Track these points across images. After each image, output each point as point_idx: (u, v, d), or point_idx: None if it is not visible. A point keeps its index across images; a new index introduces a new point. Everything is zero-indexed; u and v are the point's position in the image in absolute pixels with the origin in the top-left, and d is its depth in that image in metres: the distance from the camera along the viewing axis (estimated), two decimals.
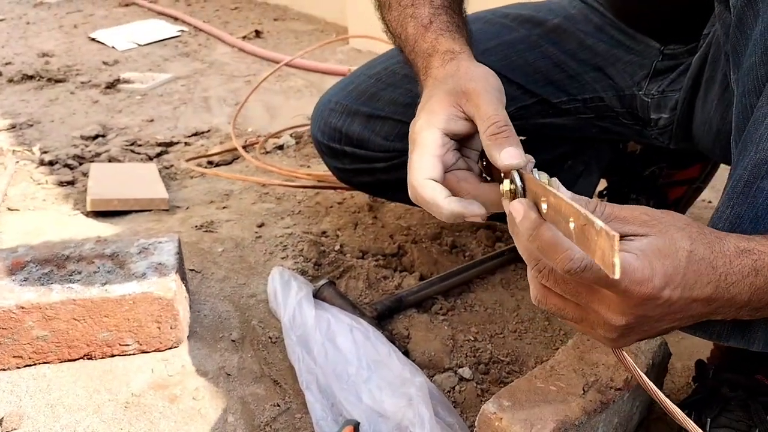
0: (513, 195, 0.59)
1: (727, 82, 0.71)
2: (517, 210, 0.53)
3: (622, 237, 0.53)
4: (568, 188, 1.22)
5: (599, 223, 0.43)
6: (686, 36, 0.95)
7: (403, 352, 0.98)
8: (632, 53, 1.03)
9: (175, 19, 3.22)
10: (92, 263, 0.93)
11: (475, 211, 0.63)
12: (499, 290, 1.16)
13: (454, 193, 0.65)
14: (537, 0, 1.16)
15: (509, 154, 0.60)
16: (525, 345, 1.03)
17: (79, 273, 0.91)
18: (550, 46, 1.06)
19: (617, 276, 0.41)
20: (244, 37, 2.85)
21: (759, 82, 0.61)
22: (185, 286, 0.97)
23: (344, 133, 1.07)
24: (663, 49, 0.99)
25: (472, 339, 1.04)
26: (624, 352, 0.61)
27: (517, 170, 0.60)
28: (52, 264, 0.92)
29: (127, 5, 3.55)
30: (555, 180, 0.58)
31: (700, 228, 0.55)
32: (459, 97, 0.65)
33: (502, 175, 0.62)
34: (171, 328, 0.90)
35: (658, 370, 0.87)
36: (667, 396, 0.60)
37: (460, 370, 0.98)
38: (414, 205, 0.68)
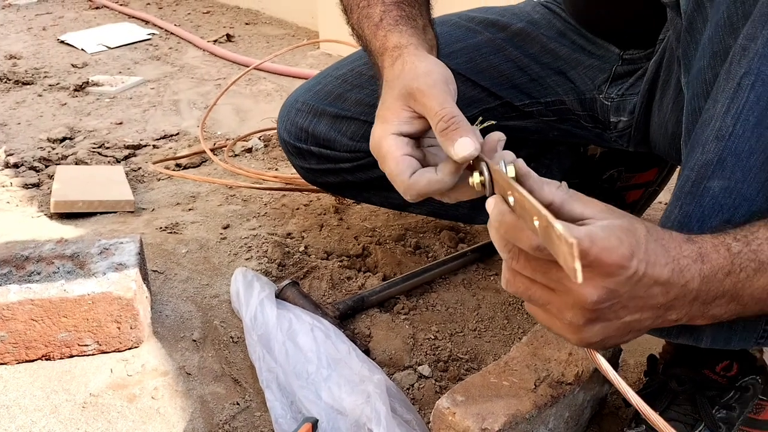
0: (483, 187, 0.60)
1: (680, 86, 0.74)
2: (488, 203, 0.56)
3: (580, 218, 0.55)
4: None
5: (559, 227, 0.44)
6: (644, 41, 0.98)
7: (364, 351, 0.99)
8: (593, 57, 1.06)
9: (146, 22, 3.21)
10: (52, 264, 0.93)
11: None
12: (461, 290, 1.17)
13: None
14: (502, 5, 1.18)
15: (462, 146, 0.60)
16: (484, 343, 1.05)
17: (39, 273, 0.91)
18: (514, 49, 1.08)
19: (580, 281, 0.42)
20: (215, 41, 2.85)
21: (707, 85, 0.63)
22: (147, 286, 0.98)
23: (310, 133, 1.08)
24: (622, 54, 1.02)
25: (433, 337, 1.06)
26: (594, 352, 0.62)
27: (486, 162, 0.61)
28: (10, 265, 0.92)
29: (97, 8, 3.53)
30: (522, 166, 0.58)
31: (643, 220, 0.58)
32: (407, 99, 0.66)
33: (472, 164, 0.63)
34: (131, 328, 0.91)
35: (610, 364, 0.89)
36: None
37: (419, 368, 0.99)
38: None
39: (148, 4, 3.63)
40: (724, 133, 0.59)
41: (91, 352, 0.91)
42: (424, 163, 0.68)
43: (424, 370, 0.99)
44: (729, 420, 0.76)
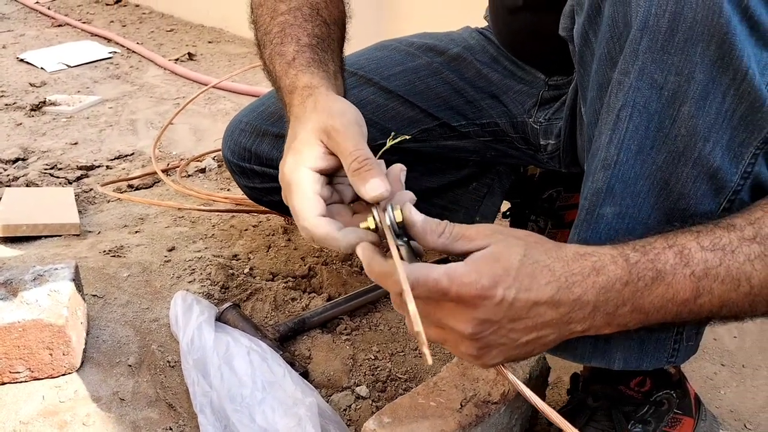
0: (375, 230, 0.63)
1: None
2: (357, 249, 0.62)
3: (467, 253, 0.59)
4: (473, 209, 1.24)
5: (411, 308, 0.51)
6: (567, 68, 1.01)
7: (302, 373, 1.00)
8: (522, 83, 1.09)
9: (108, 40, 3.20)
10: None
11: (370, 237, 0.65)
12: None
13: None
14: (441, 31, 1.21)
15: (373, 187, 0.62)
16: (424, 365, 1.06)
17: None
18: (451, 73, 1.11)
19: (429, 363, 0.49)
20: (176, 60, 2.85)
21: (597, 115, 0.66)
22: (83, 312, 0.98)
23: (253, 152, 1.09)
24: (548, 80, 1.05)
25: (373, 357, 1.07)
26: (502, 367, 0.65)
27: (375, 209, 0.63)
28: None
29: (59, 26, 3.51)
30: (409, 214, 0.62)
31: (540, 239, 0.61)
32: (321, 135, 0.67)
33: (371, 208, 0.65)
34: (63, 354, 0.91)
35: (537, 383, 0.91)
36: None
37: (357, 389, 1.00)
38: None
39: (112, 21, 3.63)
40: (610, 162, 0.62)
41: (23, 379, 0.90)
42: (330, 200, 0.69)
43: (362, 390, 1.00)
44: None
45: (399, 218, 0.62)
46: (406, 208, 0.63)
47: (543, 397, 0.94)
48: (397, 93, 1.10)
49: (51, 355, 0.90)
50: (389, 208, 0.62)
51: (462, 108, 1.12)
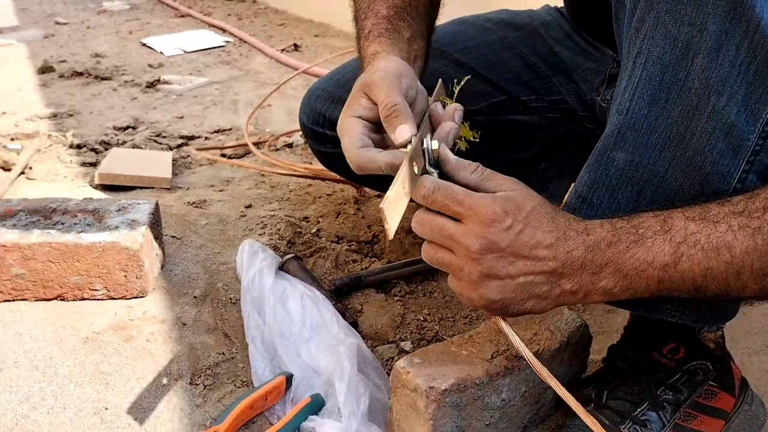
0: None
1: None
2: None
3: (493, 193, 0.65)
4: (540, 189, 1.29)
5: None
6: None
7: (351, 323, 1.05)
8: (591, 60, 1.09)
9: (224, 30, 3.40)
10: (75, 216, 1.04)
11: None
12: None
13: None
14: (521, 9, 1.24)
15: (401, 132, 0.68)
16: (472, 329, 1.08)
17: (62, 223, 1.02)
18: (524, 48, 1.14)
19: (390, 237, 0.58)
20: (282, 50, 2.99)
21: None
22: (159, 245, 1.07)
23: (327, 117, 1.16)
24: (615, 57, 1.05)
25: (422, 319, 1.10)
26: (501, 320, 0.69)
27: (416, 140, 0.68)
28: (39, 214, 1.03)
29: (182, 16, 3.77)
30: (444, 152, 0.68)
31: (553, 205, 0.66)
32: (364, 88, 0.74)
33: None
34: (137, 277, 1.00)
35: (575, 350, 0.90)
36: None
37: (402, 343, 1.04)
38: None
39: (229, 14, 3.85)
40: (622, 109, 0.63)
41: (100, 297, 1.00)
42: (381, 144, 0.75)
43: (406, 345, 1.04)
44: (675, 402, 0.77)
45: (435, 146, 0.67)
46: (443, 147, 0.67)
47: (583, 366, 0.94)
48: (469, 65, 1.14)
49: (125, 276, 0.99)
50: (427, 138, 0.68)
51: (533, 83, 1.13)
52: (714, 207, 0.60)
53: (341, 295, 1.13)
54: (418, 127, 0.72)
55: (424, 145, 0.68)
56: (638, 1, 0.62)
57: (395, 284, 1.17)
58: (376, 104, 0.73)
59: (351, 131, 0.73)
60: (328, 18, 3.50)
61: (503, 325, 0.70)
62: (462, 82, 0.88)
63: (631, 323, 0.84)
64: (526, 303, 0.66)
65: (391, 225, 0.59)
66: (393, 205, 0.60)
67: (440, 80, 0.86)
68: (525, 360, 0.85)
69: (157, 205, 1.08)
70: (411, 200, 0.66)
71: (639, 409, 0.76)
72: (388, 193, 0.60)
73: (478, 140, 0.89)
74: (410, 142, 0.68)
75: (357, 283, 1.15)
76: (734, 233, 0.58)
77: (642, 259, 0.61)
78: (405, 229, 1.35)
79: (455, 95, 0.88)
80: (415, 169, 0.67)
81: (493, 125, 1.15)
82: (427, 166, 0.68)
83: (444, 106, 0.78)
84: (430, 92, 0.84)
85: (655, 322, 0.78)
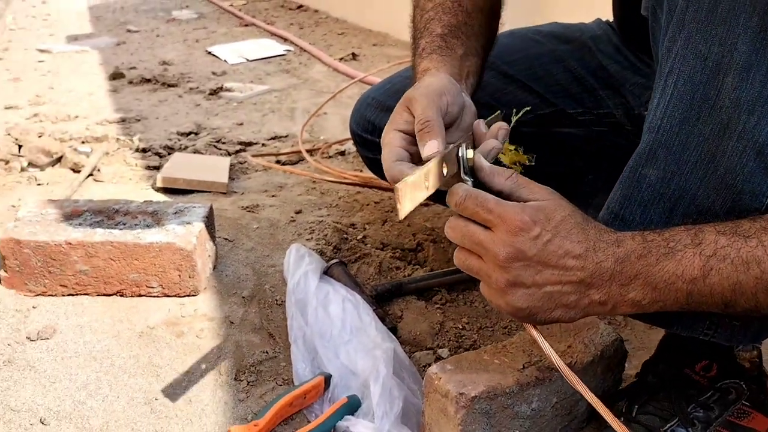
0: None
1: None
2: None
3: (526, 201, 0.67)
4: (586, 201, 1.29)
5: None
6: None
7: (390, 328, 1.08)
8: (640, 75, 1.10)
9: (285, 39, 3.50)
10: (135, 217, 1.11)
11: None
12: None
13: None
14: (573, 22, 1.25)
15: (429, 148, 0.71)
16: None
17: (124, 224, 1.09)
18: (573, 61, 1.15)
19: (401, 217, 0.60)
20: (341, 59, 3.06)
21: None
22: (212, 246, 1.13)
23: (376, 125, 1.20)
24: None
25: (461, 327, 1.12)
26: (532, 327, 0.71)
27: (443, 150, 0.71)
28: (103, 215, 1.11)
29: (246, 25, 3.90)
30: (479, 160, 0.70)
31: (585, 214, 0.67)
32: (407, 103, 0.77)
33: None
34: (189, 277, 1.06)
35: (609, 364, 0.91)
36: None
37: (439, 350, 1.06)
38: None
39: (291, 24, 3.96)
40: (654, 126, 0.64)
41: (155, 294, 1.07)
42: (419, 158, 0.77)
43: (444, 353, 1.06)
44: (706, 419, 0.77)
45: (470, 155, 0.70)
46: (477, 155, 0.70)
47: (618, 381, 0.94)
48: (516, 77, 1.15)
49: (179, 275, 1.05)
50: (462, 147, 0.70)
51: (580, 96, 1.14)
52: (746, 223, 0.61)
53: (382, 300, 1.16)
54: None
55: (459, 153, 0.70)
56: (671, 20, 0.64)
57: (436, 292, 1.20)
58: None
59: (390, 144, 0.77)
60: (386, 27, 3.55)
61: (533, 332, 0.72)
62: (520, 113, 0.90)
63: (665, 339, 0.85)
64: (554, 312, 0.67)
65: (403, 207, 0.61)
66: (409, 190, 0.62)
67: (498, 111, 0.88)
68: (556, 371, 0.87)
69: (211, 208, 1.14)
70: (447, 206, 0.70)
71: (668, 425, 0.77)
72: (408, 177, 0.62)
73: (533, 164, 0.91)
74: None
75: (398, 289, 1.18)
76: (765, 248, 0.59)
77: (671, 272, 0.61)
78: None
79: (511, 125, 0.88)
80: (444, 171, 0.69)
81: (539, 137, 1.17)
82: (462, 174, 0.70)
83: (489, 125, 0.80)
84: (490, 114, 0.87)
85: (688, 339, 0.78)
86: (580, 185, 1.24)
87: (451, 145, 0.71)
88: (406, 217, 1.36)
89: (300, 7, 4.41)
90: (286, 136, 2.13)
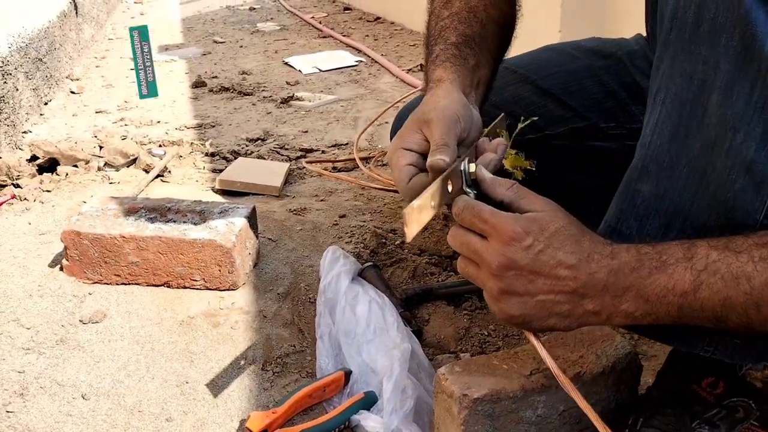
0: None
1: None
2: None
3: (524, 212, 0.69)
4: None
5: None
6: None
7: (415, 331, 1.11)
8: None
9: (359, 50, 3.59)
10: (185, 215, 1.19)
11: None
12: None
13: None
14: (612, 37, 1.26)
15: (434, 158, 0.73)
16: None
17: (174, 221, 1.18)
18: (608, 76, 1.16)
19: (408, 240, 0.65)
20: (409, 70, 3.12)
21: None
22: (253, 244, 1.20)
23: None
24: None
25: (486, 334, 1.15)
26: (531, 334, 0.74)
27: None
28: (157, 212, 1.20)
29: (324, 37, 4.02)
30: (481, 171, 0.74)
31: (583, 225, 0.68)
32: (421, 124, 0.79)
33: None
34: (229, 272, 1.14)
35: (621, 376, 0.91)
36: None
37: (462, 355, 1.09)
38: None
39: (367, 35, 4.05)
40: (645, 142, 0.65)
41: (198, 287, 1.15)
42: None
43: (465, 357, 1.09)
44: None
45: (472, 169, 0.73)
46: (479, 167, 0.73)
47: (633, 394, 0.94)
48: (551, 92, 1.17)
49: (219, 270, 1.13)
50: (465, 161, 0.74)
51: (614, 111, 1.15)
52: (739, 238, 0.61)
53: (411, 304, 1.20)
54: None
55: (462, 167, 0.74)
56: (659, 40, 0.65)
57: (467, 298, 1.23)
58: (428, 141, 0.78)
59: (398, 164, 0.79)
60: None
61: (532, 338, 0.74)
62: (527, 121, 0.92)
63: (673, 353, 0.85)
64: (548, 320, 0.69)
65: (411, 230, 0.66)
66: (416, 213, 0.67)
67: (503, 114, 0.91)
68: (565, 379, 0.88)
69: (253, 209, 1.22)
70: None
71: None
72: (414, 201, 0.67)
73: (534, 169, 0.93)
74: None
75: (428, 294, 1.21)
76: (755, 264, 0.59)
77: (663, 285, 0.62)
78: None
79: (515, 130, 0.90)
80: (449, 188, 0.73)
81: (572, 149, 1.18)
82: (464, 187, 0.74)
83: (491, 140, 0.83)
84: (491, 121, 0.90)
85: (695, 354, 0.78)
86: (613, 197, 1.24)
87: (455, 163, 0.75)
88: (447, 226, 1.38)
89: (377, 19, 4.51)
90: (345, 144, 2.20)
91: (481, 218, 0.67)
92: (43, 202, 1.52)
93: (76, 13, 3.43)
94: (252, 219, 1.21)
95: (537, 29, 2.82)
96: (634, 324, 0.67)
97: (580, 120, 1.16)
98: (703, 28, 0.59)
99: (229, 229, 1.14)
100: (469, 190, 0.74)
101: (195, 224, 1.17)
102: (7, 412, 0.90)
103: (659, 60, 0.64)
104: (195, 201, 1.24)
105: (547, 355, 0.74)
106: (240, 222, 1.16)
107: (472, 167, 0.74)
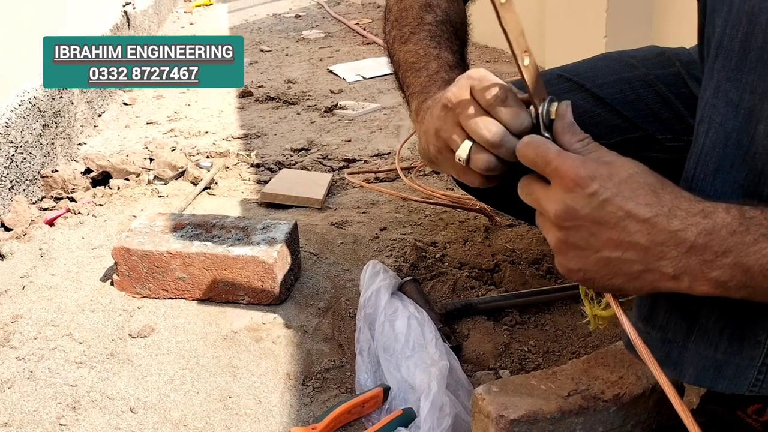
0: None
1: None
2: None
3: None
4: None
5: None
6: None
7: (454, 347, 1.12)
8: None
9: None
10: (229, 231, 1.23)
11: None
12: (578, 317, 1.23)
13: None
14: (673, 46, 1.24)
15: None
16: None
17: (218, 237, 1.21)
18: (665, 86, 1.14)
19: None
20: None
21: None
22: (295, 260, 1.23)
23: None
24: None
25: (526, 350, 1.14)
26: (611, 296, 0.66)
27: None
28: (202, 228, 1.24)
29: (368, 44, 4.05)
30: (563, 111, 0.66)
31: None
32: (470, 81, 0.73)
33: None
34: (270, 288, 1.16)
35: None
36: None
37: (501, 371, 1.09)
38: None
39: None
40: (687, 176, 0.64)
41: (242, 302, 1.18)
42: None
43: (504, 374, 1.09)
44: None
45: (552, 112, 0.66)
46: (567, 104, 0.66)
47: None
48: (606, 100, 1.16)
49: (262, 286, 1.16)
50: (546, 102, 0.67)
51: (670, 122, 1.13)
52: None
53: (451, 319, 1.21)
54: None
55: (540, 110, 0.66)
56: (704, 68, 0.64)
57: (508, 313, 1.23)
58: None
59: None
60: (502, 44, 3.56)
61: (611, 300, 0.66)
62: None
63: None
64: (614, 279, 0.62)
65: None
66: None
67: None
68: (602, 400, 0.87)
69: (295, 225, 1.24)
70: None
71: None
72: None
73: None
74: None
75: (467, 309, 1.22)
76: None
77: None
78: (530, 260, 1.39)
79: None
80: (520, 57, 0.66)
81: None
82: (542, 131, 0.66)
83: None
84: None
85: None
86: None
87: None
88: (488, 239, 1.34)
89: None
90: (388, 153, 2.22)
91: (545, 158, 0.61)
92: (95, 216, 1.57)
93: (128, 25, 3.54)
94: (293, 234, 1.24)
95: (582, 36, 2.80)
96: (722, 295, 0.58)
97: (635, 130, 1.14)
98: (750, 57, 0.58)
99: (271, 245, 1.17)
100: (546, 134, 0.66)
101: (238, 240, 1.20)
102: (61, 424, 0.94)
103: (703, 89, 0.63)
104: (239, 217, 1.28)
105: (626, 320, 0.65)
106: (281, 238, 1.19)
107: (554, 105, 0.66)
